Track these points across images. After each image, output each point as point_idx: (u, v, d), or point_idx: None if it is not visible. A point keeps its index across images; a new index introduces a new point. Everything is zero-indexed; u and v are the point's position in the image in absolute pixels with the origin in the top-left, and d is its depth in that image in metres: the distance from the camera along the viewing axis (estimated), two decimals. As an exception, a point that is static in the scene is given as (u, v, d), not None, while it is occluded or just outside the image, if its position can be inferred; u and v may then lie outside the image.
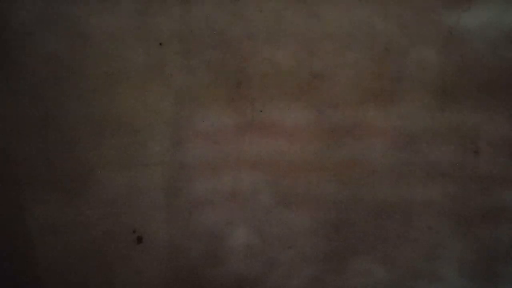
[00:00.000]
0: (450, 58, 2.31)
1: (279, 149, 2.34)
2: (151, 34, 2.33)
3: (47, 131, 2.30)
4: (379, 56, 2.32)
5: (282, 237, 2.36)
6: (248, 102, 2.33)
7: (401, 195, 2.33)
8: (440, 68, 2.31)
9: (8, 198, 2.29)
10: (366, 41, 2.31)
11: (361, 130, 2.33)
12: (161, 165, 2.33)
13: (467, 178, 2.32)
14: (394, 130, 2.33)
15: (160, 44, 2.33)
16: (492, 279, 2.32)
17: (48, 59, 2.29)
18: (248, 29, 2.31)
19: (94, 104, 2.31)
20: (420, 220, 2.33)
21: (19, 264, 2.32)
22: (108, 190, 2.32)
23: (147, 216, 2.34)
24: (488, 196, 2.31)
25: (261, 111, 2.33)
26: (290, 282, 2.36)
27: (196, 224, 2.35)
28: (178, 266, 2.36)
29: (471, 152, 2.32)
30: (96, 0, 2.27)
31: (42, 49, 2.29)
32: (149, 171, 2.33)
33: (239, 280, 2.36)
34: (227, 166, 2.34)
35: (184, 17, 2.32)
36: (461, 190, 2.32)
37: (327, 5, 2.30)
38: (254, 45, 2.31)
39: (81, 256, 2.34)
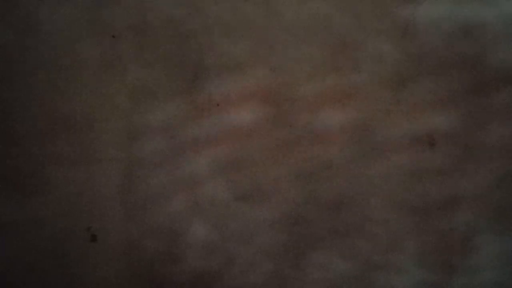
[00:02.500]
0: (406, 51, 2.32)
1: (237, 143, 2.31)
2: (104, 26, 2.26)
3: (-3, 127, 2.22)
4: (336, 49, 2.31)
5: (240, 233, 2.33)
6: (205, 96, 2.29)
7: (359, 187, 2.33)
8: (396, 61, 2.32)
9: (-45, 197, 2.20)
10: (323, 34, 2.31)
11: (318, 123, 2.32)
12: (116, 160, 2.27)
13: (424, 170, 2.34)
14: (351, 123, 2.33)
15: (113, 36, 2.27)
16: (449, 270, 2.35)
17: (-3, 51, 2.21)
18: (205, 22, 2.27)
19: (45, 99, 2.24)
20: (377, 213, 2.34)
21: (-33, 265, 2.24)
22: (61, 187, 2.25)
23: (101, 213, 2.28)
24: (444, 188, 2.34)
25: (218, 105, 2.30)
26: (249, 277, 2.34)
27: (153, 221, 2.30)
28: (134, 263, 2.31)
29: (427, 145, 2.34)
30: (47, -10, 2.20)
31: (-10, 41, 2.21)
32: (104, 166, 2.27)
33: (198, 276, 2.32)
34: (184, 161, 2.30)
35: (139, 9, 2.26)
36: (418, 182, 2.34)
37: (285, -2, 2.29)
38: (211, 38, 2.28)
39: (34, 255, 2.27)
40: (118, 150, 2.27)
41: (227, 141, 2.30)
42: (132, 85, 2.27)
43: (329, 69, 2.31)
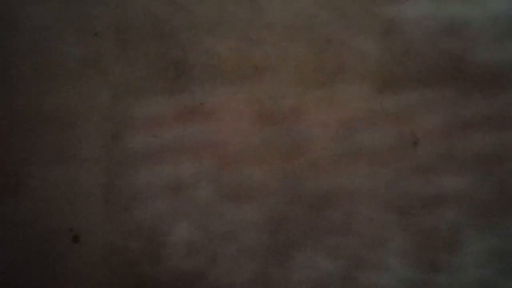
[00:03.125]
0: (389, 49, 2.32)
1: (220, 142, 2.29)
2: (86, 24, 2.24)
3: (-23, 125, 2.18)
4: (320, 47, 2.31)
5: (224, 232, 2.31)
6: (189, 94, 2.27)
7: (343, 186, 2.33)
8: (380, 59, 2.32)
9: None
10: (308, 32, 2.30)
11: (303, 121, 2.31)
12: (99, 160, 2.24)
13: (407, 168, 2.34)
14: (335, 120, 2.32)
15: (96, 34, 2.24)
16: (433, 267, 2.35)
17: (-23, 49, 2.18)
18: (188, 19, 2.26)
19: (27, 98, 2.21)
20: (362, 211, 2.33)
21: None
22: (42, 187, 2.22)
23: (84, 214, 2.25)
24: (427, 186, 2.34)
25: (202, 104, 2.28)
26: (233, 277, 2.32)
27: (136, 221, 2.28)
28: (117, 264, 2.28)
29: (410, 142, 2.34)
30: (28, -13, 2.17)
31: (-31, 38, 2.17)
32: (86, 166, 2.24)
33: (182, 276, 2.30)
34: (167, 160, 2.28)
35: (121, 7, 2.24)
36: (401, 180, 2.34)
37: (269, -5, 2.28)
38: (195, 35, 2.26)
39: (15, 256, 2.23)
40: (101, 149, 2.24)
41: (211, 139, 2.28)
42: (115, 83, 2.25)
43: (313, 67, 2.31)
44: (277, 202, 2.32)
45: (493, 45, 2.32)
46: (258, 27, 2.28)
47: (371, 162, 2.33)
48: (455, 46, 2.32)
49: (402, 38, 2.32)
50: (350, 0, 2.30)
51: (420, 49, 2.32)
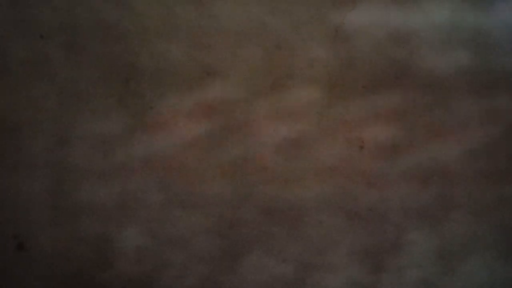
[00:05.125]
0: (337, 56, 2.36)
1: (171, 147, 2.27)
2: (32, 26, 2.17)
3: None
4: (270, 53, 2.32)
5: (174, 237, 2.30)
6: (138, 98, 2.25)
7: (292, 190, 2.36)
8: (327, 65, 2.36)
9: None
10: (258, 38, 2.31)
11: (253, 127, 2.32)
12: (45, 165, 2.18)
13: (354, 172, 2.39)
14: (284, 126, 2.35)
15: (42, 36, 2.18)
16: (379, 268, 2.41)
17: None
18: (138, 23, 2.23)
19: (-31, 101, 2.13)
20: (311, 214, 2.37)
21: None
22: (-13, 194, 2.14)
23: (29, 220, 2.19)
24: (373, 190, 2.40)
25: (151, 108, 2.26)
26: (183, 282, 2.31)
27: (84, 227, 2.23)
28: (64, 272, 2.23)
29: (356, 147, 2.40)
30: (-28, -13, 2.09)
31: None
32: (32, 172, 2.17)
33: (131, 283, 2.27)
34: (116, 165, 2.24)
35: (69, 8, 2.19)
36: (349, 184, 2.39)
37: (220, 1, 2.27)
38: (145, 39, 2.23)
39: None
40: (48, 154, 2.18)
41: (161, 144, 2.26)
42: (62, 87, 2.19)
43: (263, 72, 2.32)
44: (226, 208, 2.32)
45: (436, 52, 2.40)
46: (208, 32, 2.27)
47: (320, 167, 2.37)
48: (400, 53, 2.39)
49: (349, 45, 2.37)
50: (299, 7, 2.33)
51: (367, 56, 2.37)
